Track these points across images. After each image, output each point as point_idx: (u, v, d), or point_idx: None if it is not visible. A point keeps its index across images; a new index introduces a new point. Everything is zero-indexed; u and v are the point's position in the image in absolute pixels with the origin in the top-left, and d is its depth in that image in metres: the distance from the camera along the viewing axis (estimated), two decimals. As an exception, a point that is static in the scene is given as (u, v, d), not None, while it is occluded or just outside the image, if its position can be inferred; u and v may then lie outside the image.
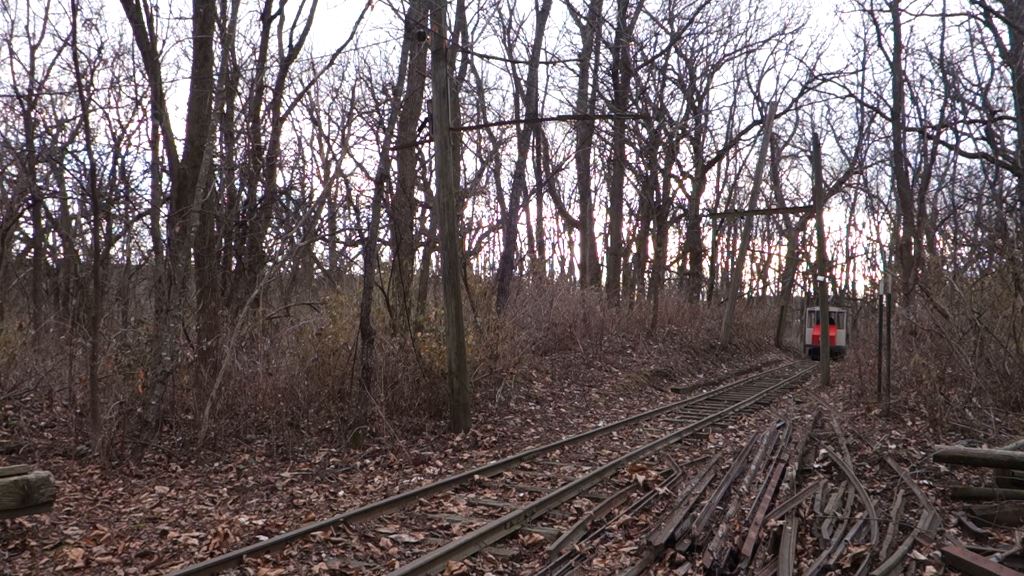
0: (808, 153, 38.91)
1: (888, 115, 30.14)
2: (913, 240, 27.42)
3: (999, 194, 27.65)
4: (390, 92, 20.76)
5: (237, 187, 14.25)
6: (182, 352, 10.07)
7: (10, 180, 17.77)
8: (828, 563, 5.10)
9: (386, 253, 17.47)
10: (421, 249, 16.69)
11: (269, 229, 15.99)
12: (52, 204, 18.58)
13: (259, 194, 14.81)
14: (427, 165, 18.13)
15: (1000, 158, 25.49)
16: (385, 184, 12.50)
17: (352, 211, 25.09)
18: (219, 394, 9.54)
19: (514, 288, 19.68)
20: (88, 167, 14.39)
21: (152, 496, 7.36)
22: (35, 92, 17.66)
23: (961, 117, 28.89)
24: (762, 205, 38.63)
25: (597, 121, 29.51)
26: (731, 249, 42.81)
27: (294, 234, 17.47)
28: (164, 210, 13.86)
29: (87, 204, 18.46)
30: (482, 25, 50.11)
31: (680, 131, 33.61)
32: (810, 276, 44.86)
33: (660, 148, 31.35)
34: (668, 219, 32.96)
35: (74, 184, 18.44)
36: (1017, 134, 23.28)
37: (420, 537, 6.21)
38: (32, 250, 19.05)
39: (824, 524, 5.95)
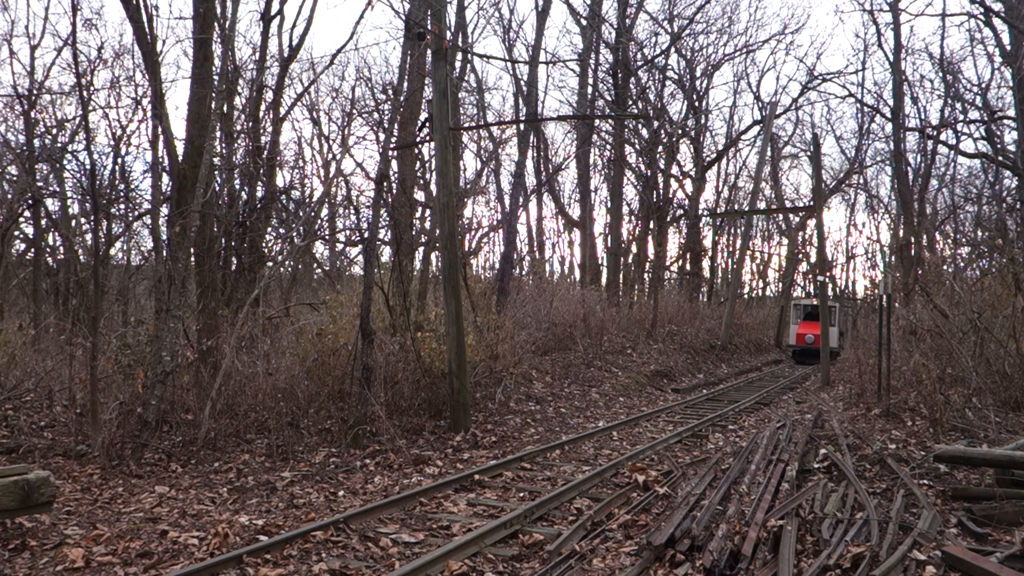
0: (808, 153, 38.91)
1: (888, 115, 30.12)
2: (913, 240, 27.39)
3: (999, 194, 27.65)
4: (390, 92, 20.77)
5: (237, 187, 14.25)
6: (182, 352, 10.06)
7: (10, 180, 17.78)
8: (828, 563, 5.10)
9: (386, 253, 17.47)
10: (421, 249, 16.69)
11: (269, 229, 15.99)
12: (52, 204, 18.60)
13: (259, 194, 14.81)
14: (427, 165, 18.14)
15: (1000, 158, 25.48)
16: (385, 184, 12.50)
17: (352, 211, 25.11)
18: (219, 394, 9.53)
19: (514, 288, 19.67)
20: (88, 167, 14.39)
21: (152, 496, 7.36)
22: (35, 92, 17.66)
23: (961, 117, 28.88)
24: (762, 205, 38.59)
25: (597, 121, 29.50)
26: (731, 249, 42.82)
27: (294, 234, 17.47)
28: (164, 210, 13.85)
29: (87, 204, 18.47)
30: (482, 25, 50.13)
31: (680, 131, 33.60)
32: (810, 276, 44.86)
33: (660, 148, 31.33)
34: (668, 219, 32.92)
35: (74, 184, 18.46)
36: (1017, 134, 23.27)
37: (420, 537, 6.21)
38: (32, 250, 19.06)
39: (824, 524, 5.95)
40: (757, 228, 45.18)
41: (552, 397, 14.81)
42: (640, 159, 31.23)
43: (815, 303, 29.67)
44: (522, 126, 23.16)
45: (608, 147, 31.84)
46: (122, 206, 17.63)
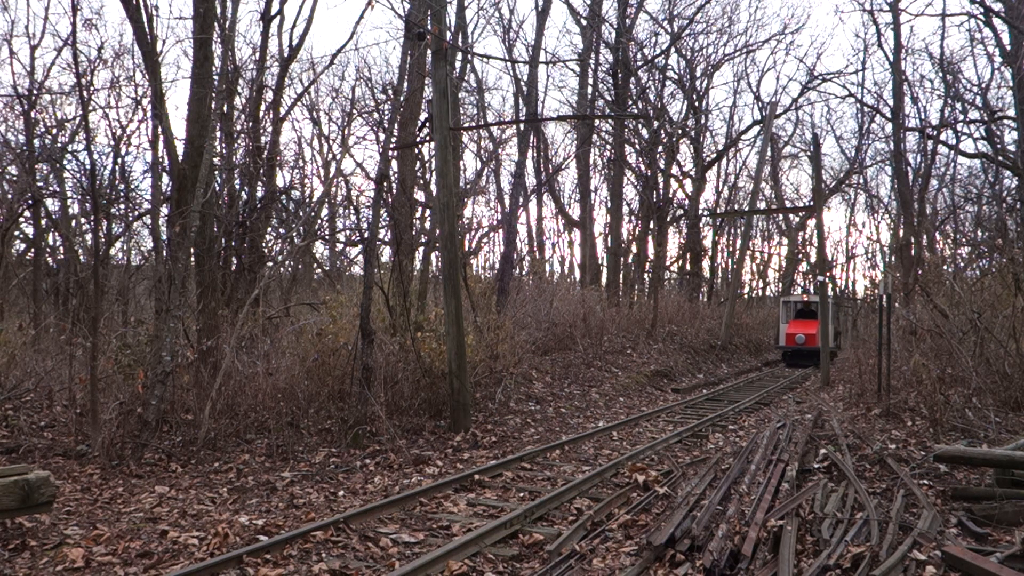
0: (808, 153, 38.90)
1: (888, 115, 30.11)
2: (913, 240, 27.39)
3: (999, 194, 27.66)
4: (390, 92, 20.77)
5: (237, 187, 14.25)
6: (182, 352, 10.06)
7: (10, 180, 17.77)
8: (828, 563, 5.10)
9: (386, 253, 17.47)
10: (421, 249, 16.69)
11: (269, 229, 15.99)
12: (52, 204, 18.60)
13: (259, 194, 14.81)
14: (427, 165, 18.12)
15: (1000, 158, 25.47)
16: (385, 184, 12.50)
17: (352, 211, 25.12)
18: (219, 394, 9.53)
19: (514, 288, 19.68)
20: (88, 167, 14.39)
21: (152, 496, 7.36)
22: (35, 92, 17.65)
23: (961, 117, 28.87)
24: (762, 205, 38.58)
25: (597, 121, 29.50)
26: (731, 249, 42.79)
27: (294, 234, 17.47)
28: (164, 210, 13.85)
29: (87, 204, 18.47)
30: (482, 25, 50.06)
31: (680, 131, 33.59)
32: (810, 276, 44.84)
33: (660, 148, 31.33)
34: (668, 219, 32.92)
35: (74, 184, 18.47)
36: (1017, 134, 23.27)
37: (420, 537, 6.21)
38: (32, 250, 19.06)
39: (824, 524, 5.95)
40: (757, 228, 45.20)
41: (552, 397, 14.81)
42: (640, 159, 31.23)
43: (806, 299, 29.36)
44: (522, 126, 23.17)
45: (608, 147, 31.85)
46: (122, 206, 17.64)
